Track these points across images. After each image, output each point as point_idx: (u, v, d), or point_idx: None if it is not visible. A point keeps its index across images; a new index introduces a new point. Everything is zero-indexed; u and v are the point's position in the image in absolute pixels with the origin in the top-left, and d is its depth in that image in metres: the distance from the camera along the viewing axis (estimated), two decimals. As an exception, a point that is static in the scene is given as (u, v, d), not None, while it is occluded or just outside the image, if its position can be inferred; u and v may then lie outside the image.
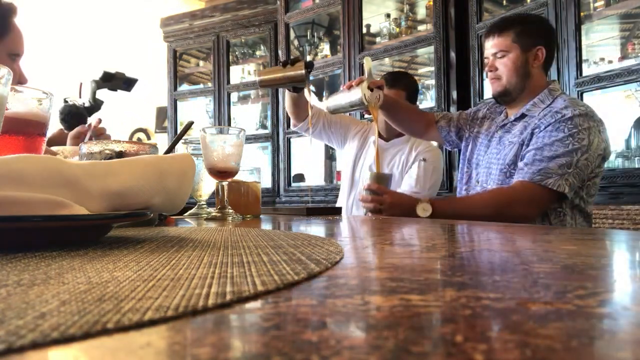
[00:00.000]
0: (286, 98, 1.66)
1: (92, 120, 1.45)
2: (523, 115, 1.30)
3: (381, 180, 1.33)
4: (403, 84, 1.74)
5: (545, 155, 1.18)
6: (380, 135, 1.76)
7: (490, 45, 1.32)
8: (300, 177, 3.24)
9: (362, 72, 2.78)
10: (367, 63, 1.40)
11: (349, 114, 1.94)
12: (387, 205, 1.25)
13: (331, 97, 1.48)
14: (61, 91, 1.44)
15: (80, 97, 1.45)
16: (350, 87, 1.38)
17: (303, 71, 1.37)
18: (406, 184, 1.70)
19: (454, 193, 2.34)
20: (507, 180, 1.28)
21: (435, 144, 1.83)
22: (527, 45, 1.28)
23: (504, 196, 1.22)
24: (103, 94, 1.55)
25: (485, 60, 1.36)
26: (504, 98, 1.33)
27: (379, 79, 1.40)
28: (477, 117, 1.47)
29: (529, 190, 1.19)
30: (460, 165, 1.50)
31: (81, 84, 1.46)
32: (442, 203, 1.27)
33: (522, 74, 1.29)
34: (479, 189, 1.37)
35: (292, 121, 1.77)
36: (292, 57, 1.46)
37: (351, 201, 1.81)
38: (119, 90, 1.48)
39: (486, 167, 1.35)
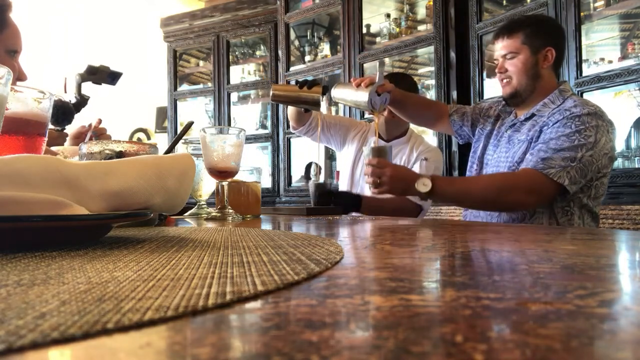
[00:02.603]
0: (290, 106, 1.66)
1: (79, 116, 1.43)
2: (532, 115, 1.30)
3: (381, 154, 1.28)
4: (402, 85, 1.73)
5: (551, 147, 1.19)
6: (380, 136, 1.76)
7: (500, 47, 1.32)
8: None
9: (361, 73, 2.77)
10: (381, 67, 1.35)
11: (349, 115, 1.94)
12: (387, 179, 1.23)
13: (339, 89, 1.45)
14: (59, 91, 1.44)
15: (65, 92, 1.44)
16: (359, 86, 1.36)
17: (319, 97, 1.37)
18: None
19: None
20: None
21: (435, 144, 1.83)
22: (537, 47, 1.28)
23: (506, 181, 1.22)
24: (99, 93, 1.54)
25: (495, 62, 1.36)
26: (514, 100, 1.33)
27: (388, 84, 1.37)
28: (489, 114, 1.46)
29: (531, 177, 1.19)
30: (469, 163, 1.49)
31: (65, 78, 1.45)
32: (443, 181, 1.26)
33: (532, 75, 1.29)
34: None
35: (291, 124, 1.77)
36: (310, 80, 1.45)
37: (350, 201, 1.80)
38: (103, 84, 1.46)
39: (495, 167, 1.35)
